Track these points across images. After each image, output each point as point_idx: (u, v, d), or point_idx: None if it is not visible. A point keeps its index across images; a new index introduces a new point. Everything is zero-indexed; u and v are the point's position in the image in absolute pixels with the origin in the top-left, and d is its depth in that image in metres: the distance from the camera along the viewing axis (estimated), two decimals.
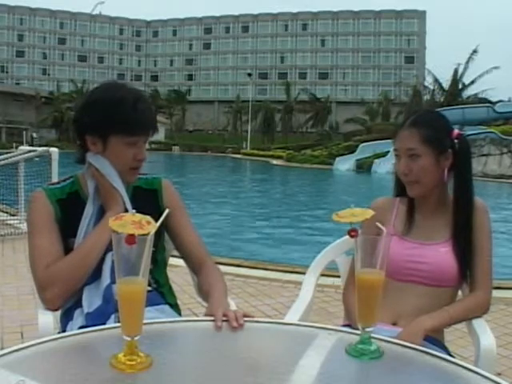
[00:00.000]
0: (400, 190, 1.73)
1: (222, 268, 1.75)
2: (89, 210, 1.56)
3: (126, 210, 1.53)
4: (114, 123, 1.50)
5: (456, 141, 1.62)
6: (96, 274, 1.51)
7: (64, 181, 1.65)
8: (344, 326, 1.60)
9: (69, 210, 1.57)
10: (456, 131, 1.64)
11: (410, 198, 1.70)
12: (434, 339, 1.52)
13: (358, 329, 1.17)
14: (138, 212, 1.05)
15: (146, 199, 1.63)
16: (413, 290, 1.61)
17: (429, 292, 1.60)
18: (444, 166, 1.61)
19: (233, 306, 1.54)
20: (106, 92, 1.56)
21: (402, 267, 1.59)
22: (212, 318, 1.27)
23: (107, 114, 1.50)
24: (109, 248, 1.49)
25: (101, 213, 1.57)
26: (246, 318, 1.27)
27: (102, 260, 1.51)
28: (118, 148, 1.53)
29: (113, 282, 1.43)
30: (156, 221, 1.04)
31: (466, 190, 1.63)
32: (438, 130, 1.63)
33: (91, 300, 1.48)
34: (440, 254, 1.60)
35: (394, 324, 1.59)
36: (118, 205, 1.54)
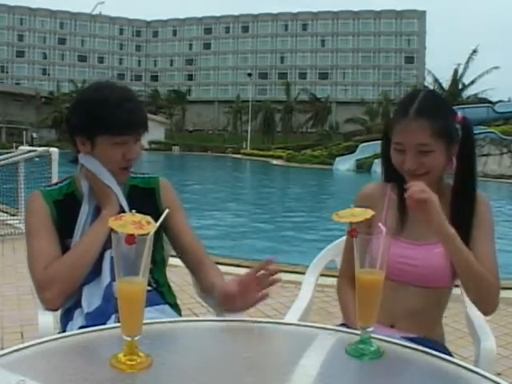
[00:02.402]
0: (390, 174, 1.57)
1: (222, 268, 1.75)
2: (84, 211, 1.56)
3: (122, 208, 1.54)
4: (99, 123, 1.50)
5: (459, 125, 1.49)
6: (95, 273, 1.51)
7: (61, 182, 1.66)
8: (340, 325, 1.57)
9: (65, 210, 1.57)
10: (460, 115, 1.50)
11: (403, 187, 1.51)
12: (435, 340, 1.50)
13: (352, 328, 1.16)
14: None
15: (144, 198, 1.63)
16: (406, 290, 1.52)
17: (422, 293, 1.51)
18: (452, 154, 1.48)
19: None
20: (94, 92, 1.57)
21: (393, 268, 1.47)
22: (212, 318, 1.27)
23: (93, 114, 1.50)
24: (107, 246, 1.49)
25: (96, 212, 1.57)
26: (244, 318, 1.27)
27: (101, 258, 1.51)
28: (105, 148, 1.53)
29: (113, 279, 1.43)
30: (154, 220, 1.04)
31: (470, 178, 1.50)
32: (447, 117, 1.47)
33: (91, 299, 1.48)
34: (433, 255, 1.49)
35: (392, 326, 1.53)
36: (113, 203, 1.55)
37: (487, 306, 1.47)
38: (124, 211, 1.52)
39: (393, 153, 1.49)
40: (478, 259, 1.41)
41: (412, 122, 1.43)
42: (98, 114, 1.49)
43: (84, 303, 1.48)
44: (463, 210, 1.49)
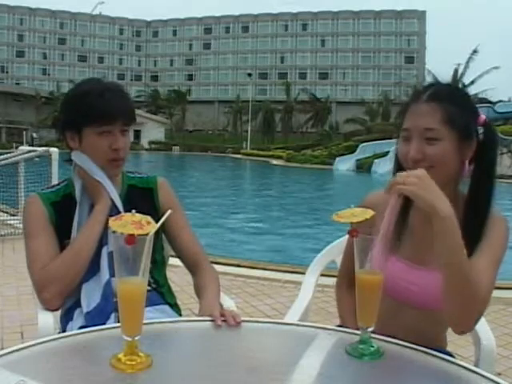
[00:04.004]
0: None
1: (222, 268, 1.75)
2: (77, 210, 1.56)
3: (113, 202, 1.55)
4: (83, 115, 1.52)
5: (481, 128, 1.31)
6: (93, 270, 1.51)
7: (58, 184, 1.66)
8: (338, 326, 1.49)
9: (64, 212, 1.57)
10: (483, 116, 1.32)
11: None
12: (438, 347, 1.42)
13: (349, 328, 1.15)
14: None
15: (142, 198, 1.64)
16: (406, 310, 1.40)
17: (422, 313, 1.39)
18: (465, 156, 1.30)
19: (233, 307, 1.55)
20: (78, 87, 1.60)
21: (394, 289, 1.36)
22: (211, 319, 1.27)
23: (77, 107, 1.53)
24: (104, 242, 1.50)
25: (91, 211, 1.57)
26: (244, 318, 1.27)
27: (99, 256, 1.51)
28: (91, 139, 1.53)
29: (112, 275, 1.43)
30: (154, 220, 1.04)
31: (488, 185, 1.33)
32: (465, 109, 1.30)
33: (90, 297, 1.48)
34: (437, 280, 1.22)
35: None
36: (103, 197, 1.55)
37: (465, 320, 1.23)
38: (115, 205, 1.54)
39: (399, 144, 1.34)
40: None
41: (422, 105, 1.29)
42: (82, 106, 1.52)
43: (83, 302, 1.48)
44: (475, 220, 1.31)
